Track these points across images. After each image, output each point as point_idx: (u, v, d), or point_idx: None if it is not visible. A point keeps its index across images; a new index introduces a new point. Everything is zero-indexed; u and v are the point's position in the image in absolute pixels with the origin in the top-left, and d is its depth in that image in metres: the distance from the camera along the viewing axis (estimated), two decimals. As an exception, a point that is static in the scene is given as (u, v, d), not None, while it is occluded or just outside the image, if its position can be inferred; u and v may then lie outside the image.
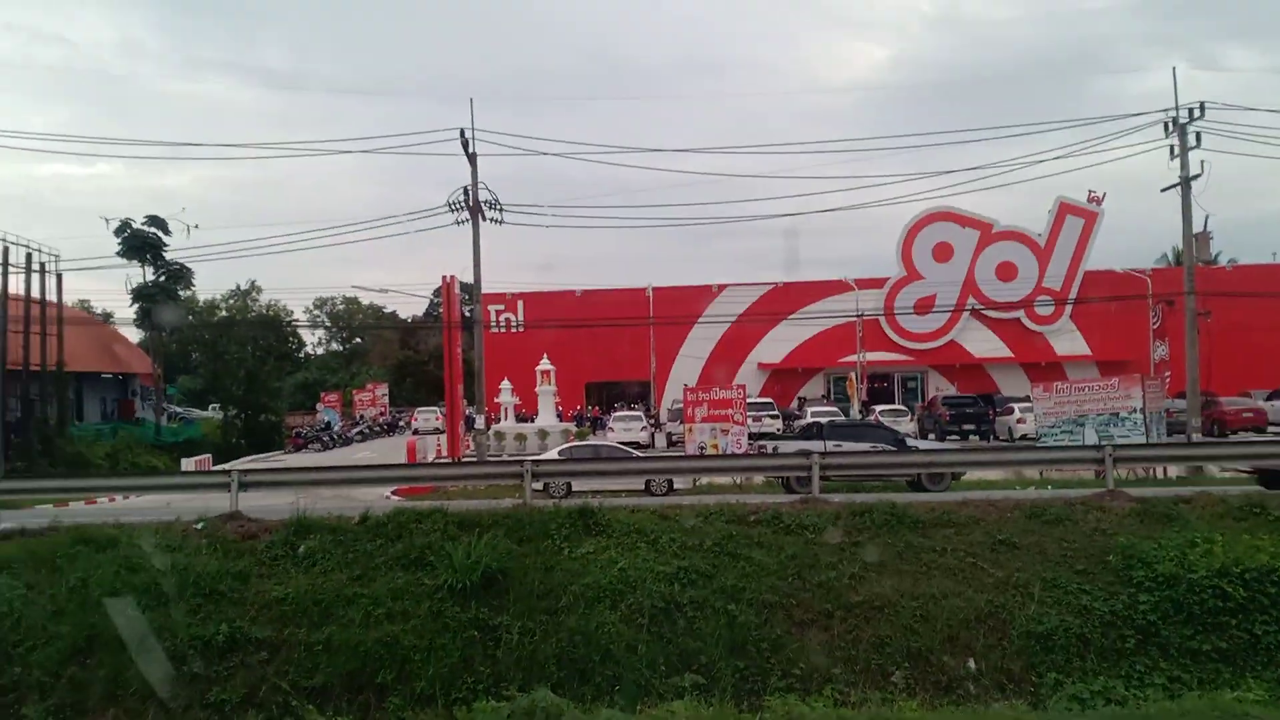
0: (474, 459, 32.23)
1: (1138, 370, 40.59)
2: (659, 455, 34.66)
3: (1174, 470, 25.08)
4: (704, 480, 25.29)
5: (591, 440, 39.18)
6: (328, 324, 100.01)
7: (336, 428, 58.66)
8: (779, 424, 43.50)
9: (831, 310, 58.76)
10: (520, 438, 43.81)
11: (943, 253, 61.84)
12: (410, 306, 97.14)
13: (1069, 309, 60.21)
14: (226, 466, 28.22)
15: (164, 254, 53.68)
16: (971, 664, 12.40)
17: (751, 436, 32.09)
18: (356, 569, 14.14)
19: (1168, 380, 38.69)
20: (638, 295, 63.89)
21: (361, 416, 66.28)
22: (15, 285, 41.69)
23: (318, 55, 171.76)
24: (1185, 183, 31.13)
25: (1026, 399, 36.74)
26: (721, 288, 63.68)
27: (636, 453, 27.02)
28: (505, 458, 36.18)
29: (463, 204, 30.58)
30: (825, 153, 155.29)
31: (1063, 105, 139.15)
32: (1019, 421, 39.20)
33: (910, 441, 28.21)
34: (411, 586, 13.62)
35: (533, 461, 19.14)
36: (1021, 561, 13.91)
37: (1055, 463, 22.35)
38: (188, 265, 54.55)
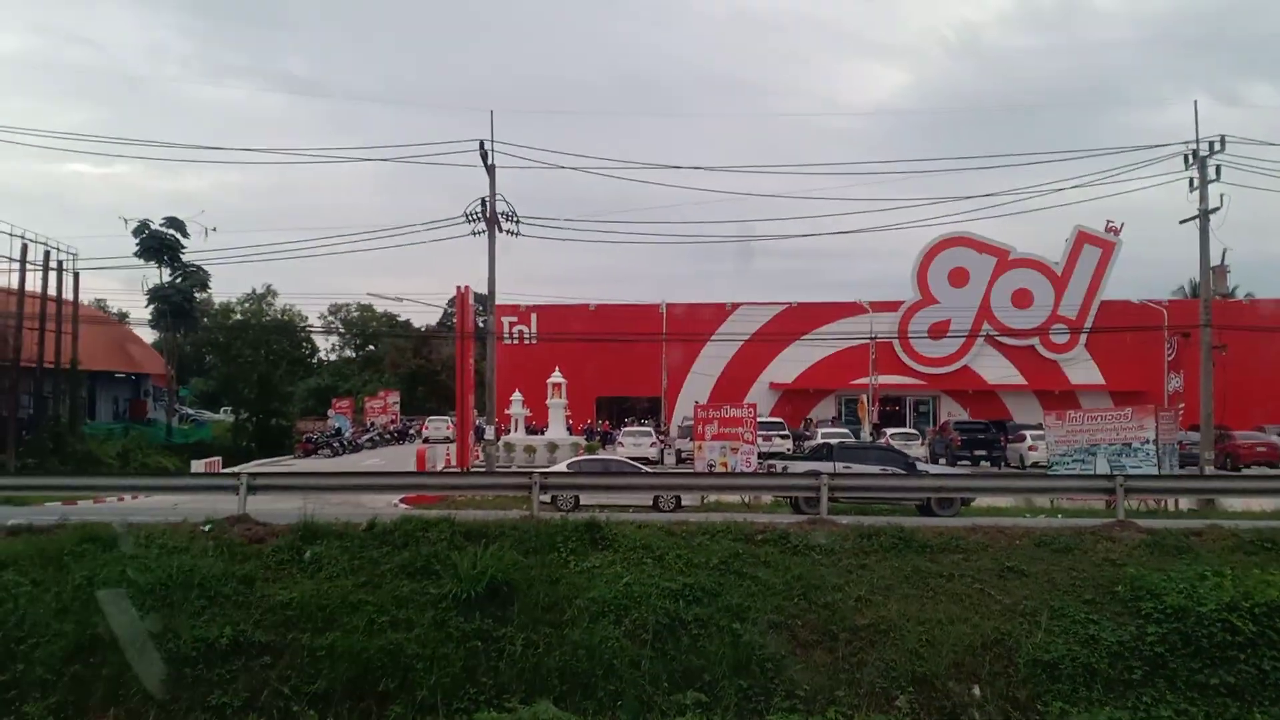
0: (483, 469, 32.23)
1: (1152, 401, 40.43)
2: (668, 471, 34.65)
3: (1185, 503, 24.91)
4: (712, 498, 25.21)
5: (601, 454, 39.17)
6: (342, 330, 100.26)
7: (347, 434, 58.73)
8: (789, 444, 43.42)
9: (845, 332, 58.69)
10: (529, 450, 43.80)
11: (959, 278, 61.73)
12: (424, 315, 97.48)
13: (1084, 338, 60.00)
14: (236, 469, 28.26)
15: (181, 255, 53.87)
16: (976, 691, 12.30)
17: (761, 456, 32.07)
18: (362, 575, 14.11)
19: (1181, 412, 38.49)
20: (651, 311, 63.95)
21: (372, 424, 66.36)
22: (33, 282, 41.91)
23: (340, 63, 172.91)
24: (1204, 215, 31.07)
25: (1039, 426, 36.66)
26: (735, 306, 63.68)
27: (645, 468, 27.00)
28: (514, 469, 36.13)
29: (479, 214, 30.65)
30: (844, 174, 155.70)
31: (1082, 135, 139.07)
32: (1031, 449, 39.09)
33: (920, 466, 28.12)
34: (416, 595, 13.59)
35: (541, 474, 19.12)
36: (1029, 589, 13.82)
37: (1066, 491, 22.23)
38: (204, 267, 54.73)
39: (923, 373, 62.08)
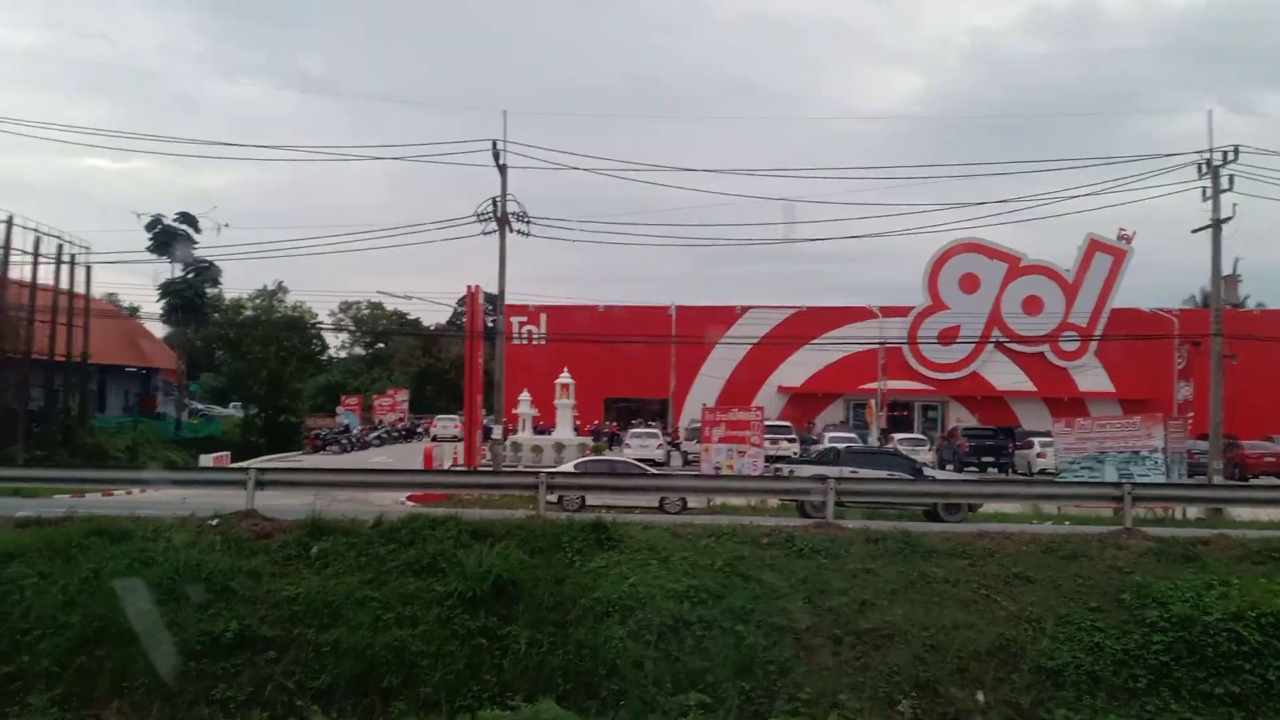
0: (490, 469, 32.28)
1: (1161, 410, 40.20)
2: (674, 473, 34.66)
3: (1193, 511, 24.83)
4: (718, 500, 25.21)
5: (608, 455, 39.18)
6: (352, 328, 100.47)
7: (355, 431, 58.88)
8: (796, 447, 43.39)
9: (854, 336, 58.56)
10: (536, 450, 43.82)
11: (969, 284, 61.60)
12: (434, 314, 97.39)
13: (1094, 345, 59.85)
14: (244, 465, 28.34)
15: (193, 251, 54.00)
16: (980, 696, 12.29)
17: (768, 459, 32.06)
18: (368, 572, 14.14)
19: (1190, 421, 38.35)
20: (660, 313, 63.91)
21: (380, 421, 66.46)
22: (45, 275, 42.08)
23: (354, 63, 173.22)
24: (1216, 225, 30.95)
25: (1047, 433, 36.58)
26: (745, 309, 63.59)
27: (651, 470, 27.01)
28: (521, 469, 36.18)
29: (491, 214, 30.71)
30: (856, 179, 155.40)
31: (1094, 143, 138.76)
32: (1039, 456, 39.03)
33: (928, 471, 28.09)
34: (422, 592, 13.62)
35: (548, 474, 19.14)
36: (1035, 596, 13.80)
37: (1074, 498, 22.16)
38: (216, 263, 54.87)
39: (932, 378, 61.96)
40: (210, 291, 59.46)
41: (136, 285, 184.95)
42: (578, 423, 50.67)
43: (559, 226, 37.96)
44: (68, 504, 18.38)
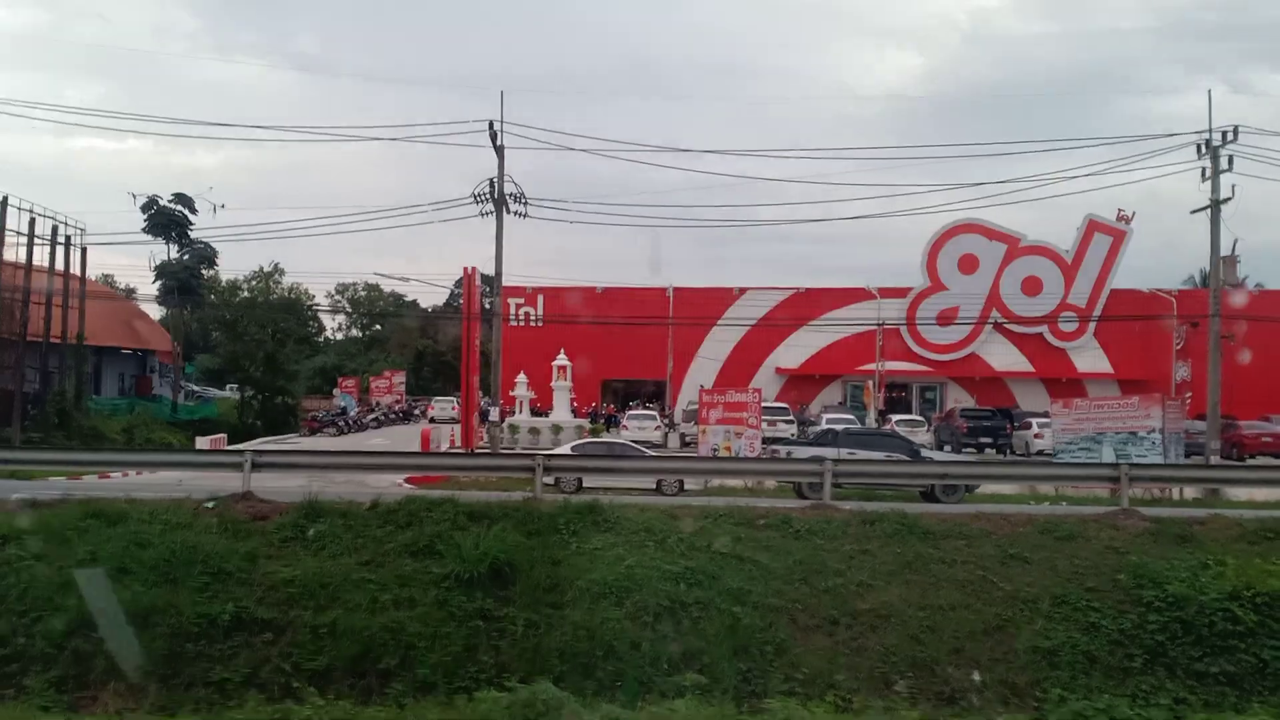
0: (487, 451, 32.30)
1: (1158, 390, 40.38)
2: (672, 455, 34.65)
3: (1190, 492, 24.86)
4: (715, 482, 25.20)
5: (605, 437, 39.20)
6: (348, 310, 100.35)
7: (352, 413, 58.86)
8: (793, 429, 43.40)
9: (852, 318, 58.54)
10: (534, 431, 43.84)
11: (968, 265, 61.51)
12: (431, 296, 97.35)
13: (1092, 326, 59.83)
14: (241, 447, 28.32)
15: (189, 232, 53.89)
16: (976, 676, 12.32)
17: (765, 441, 32.06)
18: (365, 554, 14.14)
19: (1188, 402, 38.51)
20: (658, 295, 63.81)
21: (377, 403, 66.45)
22: (40, 257, 41.99)
23: (350, 43, 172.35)
24: (1215, 205, 30.97)
25: (1045, 414, 36.59)
26: (743, 291, 63.52)
27: (649, 452, 27.01)
28: (518, 451, 36.21)
29: (488, 196, 30.64)
30: (854, 159, 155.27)
31: (1094, 123, 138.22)
32: (1036, 436, 39.01)
33: (925, 452, 28.09)
34: (419, 574, 13.62)
35: (545, 456, 19.15)
36: (1031, 576, 13.82)
37: (1070, 479, 22.20)
38: (212, 244, 54.77)
39: (930, 359, 61.93)
40: (206, 273, 59.41)
41: (132, 267, 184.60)
42: (575, 404, 50.68)
43: (556, 207, 37.92)
44: (64, 486, 18.38)
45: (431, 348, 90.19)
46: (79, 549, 13.78)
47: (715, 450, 28.88)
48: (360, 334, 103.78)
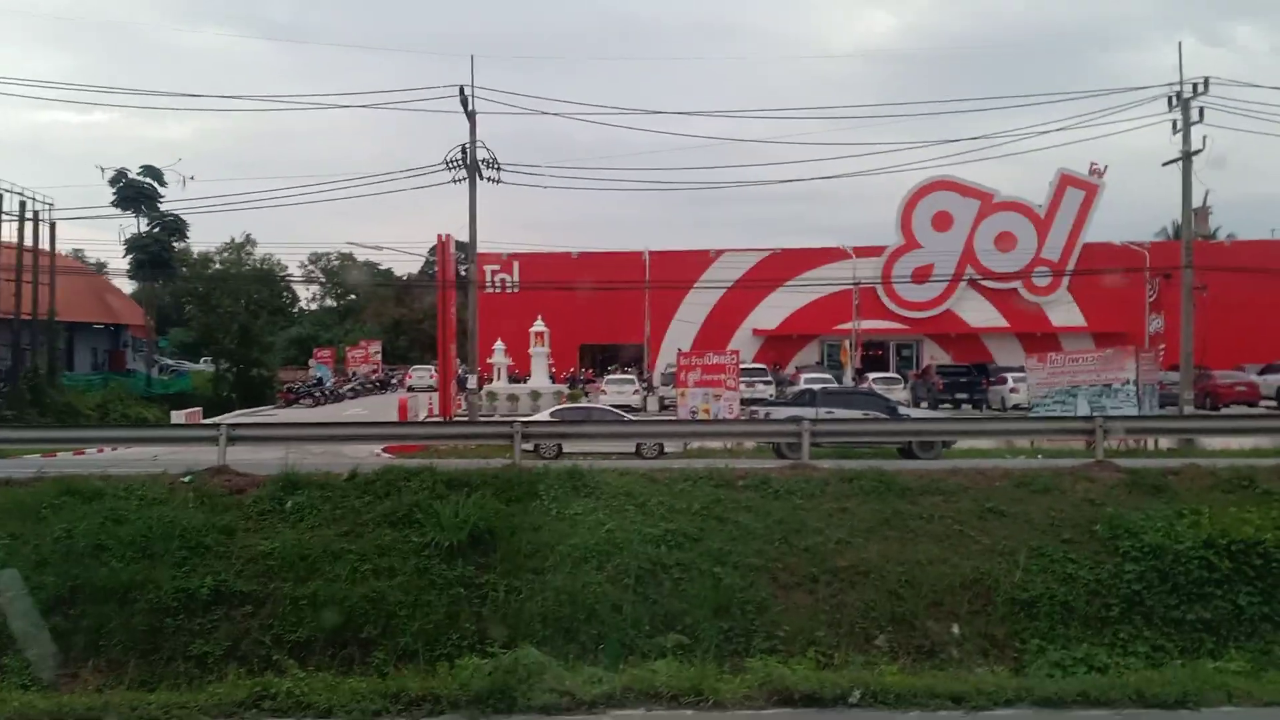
0: (465, 419, 32.25)
1: (1133, 342, 40.56)
2: (651, 419, 34.73)
3: (1165, 442, 25.09)
4: (695, 445, 25.23)
5: (583, 402, 39.19)
6: (322, 280, 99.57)
7: (328, 384, 58.60)
8: (772, 390, 43.53)
9: (829, 278, 58.59)
10: (512, 398, 43.76)
11: (942, 222, 61.67)
12: (406, 264, 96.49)
13: (1066, 280, 60.13)
14: (216, 420, 28.14)
15: (159, 205, 53.17)
16: (955, 629, 12.42)
17: (744, 402, 32.13)
18: (344, 525, 14.09)
19: (1162, 353, 38.72)
20: (634, 258, 63.72)
21: (354, 373, 66.18)
22: (8, 232, 41.46)
23: (320, 9, 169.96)
24: (1186, 158, 31.02)
25: (1020, 369, 36.82)
26: (719, 253, 63.54)
27: (628, 416, 27.00)
28: (496, 418, 36.14)
29: (460, 162, 30.39)
30: (830, 119, 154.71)
31: (1068, 79, 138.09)
32: (1012, 391, 39.29)
33: (902, 410, 28.22)
34: (399, 543, 13.58)
35: (523, 422, 19.13)
36: (1008, 530, 13.90)
37: (1046, 433, 22.33)
38: (182, 217, 54.07)
39: (906, 317, 62.19)
40: (177, 245, 58.70)
41: (102, 240, 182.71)
42: (553, 370, 50.63)
43: (530, 173, 37.64)
44: (38, 464, 18.15)
45: (408, 316, 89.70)
46: (55, 527, 13.69)
47: (694, 413, 28.90)
48: (335, 304, 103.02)
